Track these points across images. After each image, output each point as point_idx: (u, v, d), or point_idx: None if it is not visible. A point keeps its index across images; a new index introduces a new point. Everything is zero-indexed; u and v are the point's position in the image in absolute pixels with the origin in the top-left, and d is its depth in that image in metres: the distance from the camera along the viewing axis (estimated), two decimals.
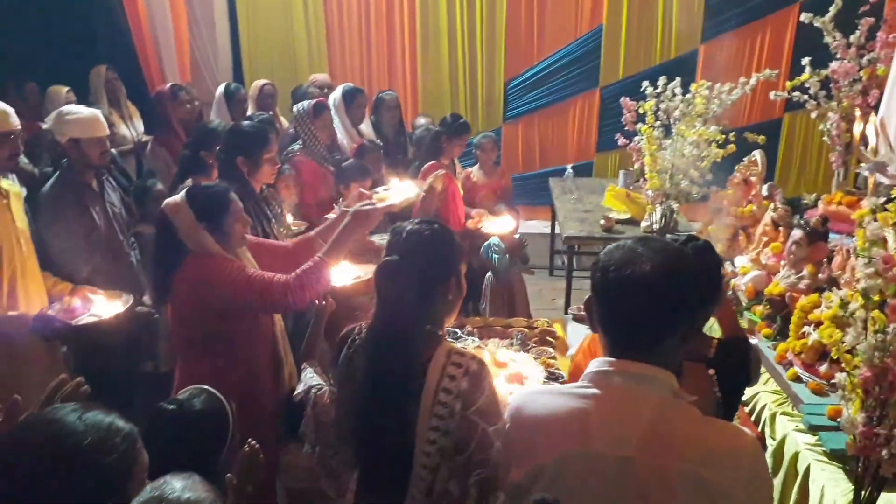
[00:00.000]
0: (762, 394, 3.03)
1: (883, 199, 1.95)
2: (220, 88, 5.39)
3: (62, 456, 1.32)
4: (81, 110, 3.48)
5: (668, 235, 4.48)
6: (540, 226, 7.08)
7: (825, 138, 4.18)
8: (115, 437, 1.36)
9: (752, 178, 4.12)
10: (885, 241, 1.93)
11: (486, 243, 4.60)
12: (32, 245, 2.97)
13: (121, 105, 5.42)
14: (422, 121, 5.98)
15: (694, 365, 2.17)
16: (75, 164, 3.39)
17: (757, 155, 4.14)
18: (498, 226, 4.69)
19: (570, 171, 6.80)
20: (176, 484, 1.40)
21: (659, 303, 1.36)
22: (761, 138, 4.15)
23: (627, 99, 4.53)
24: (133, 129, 5.45)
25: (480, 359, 1.78)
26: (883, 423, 1.96)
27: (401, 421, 1.75)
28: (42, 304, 2.91)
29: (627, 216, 5.16)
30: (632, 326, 1.39)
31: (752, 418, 3.04)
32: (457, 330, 3.84)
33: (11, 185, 3.01)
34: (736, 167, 4.20)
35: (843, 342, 1.99)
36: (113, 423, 1.39)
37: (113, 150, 4.17)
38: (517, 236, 4.74)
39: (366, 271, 3.28)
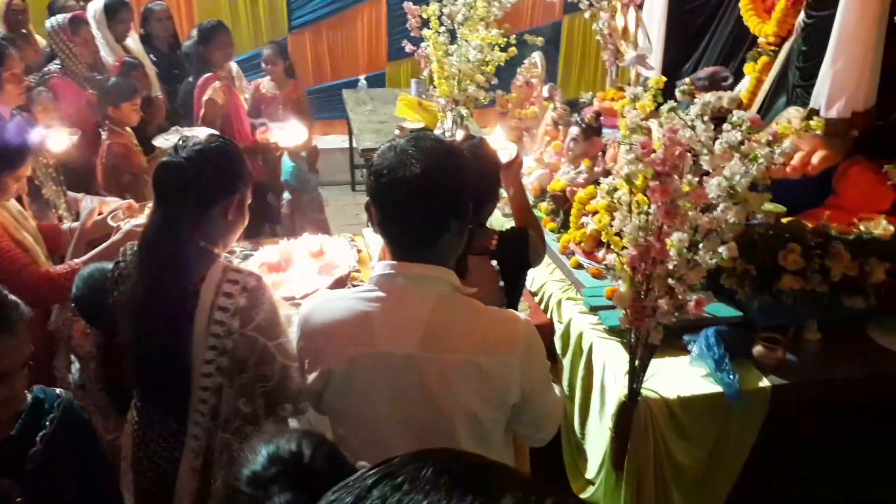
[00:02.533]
0: (549, 283, 3.22)
1: (640, 89, 2.08)
2: None
3: None
4: None
5: None
6: (338, 140, 6.96)
7: (598, 38, 4.40)
8: None
9: (533, 81, 4.27)
10: (648, 131, 2.06)
11: (287, 169, 4.45)
12: None
13: None
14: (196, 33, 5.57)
15: (479, 258, 2.26)
16: None
17: (536, 57, 4.28)
18: (289, 137, 4.49)
19: (364, 81, 6.69)
20: None
21: (430, 203, 1.39)
22: (539, 40, 4.27)
23: (410, 3, 4.46)
24: None
25: (258, 275, 1.74)
26: (649, 297, 2.14)
27: (175, 343, 1.68)
28: None
29: (422, 125, 5.17)
30: (407, 228, 1.42)
31: (542, 306, 3.24)
32: (253, 252, 3.73)
33: None
34: (517, 70, 4.32)
35: (612, 226, 2.14)
36: None
37: None
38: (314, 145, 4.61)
39: None
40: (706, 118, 1.93)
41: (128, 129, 3.75)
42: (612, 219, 2.16)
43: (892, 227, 2.59)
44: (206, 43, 4.25)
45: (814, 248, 2.51)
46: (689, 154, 2.01)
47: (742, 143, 1.90)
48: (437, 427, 1.42)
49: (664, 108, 2.00)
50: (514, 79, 4.44)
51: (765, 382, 2.49)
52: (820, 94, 2.65)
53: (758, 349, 2.55)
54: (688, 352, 2.62)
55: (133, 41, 4.81)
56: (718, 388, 2.44)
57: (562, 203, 3.52)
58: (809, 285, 2.56)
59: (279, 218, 4.62)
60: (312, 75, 7.06)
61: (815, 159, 2.68)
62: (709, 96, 2.02)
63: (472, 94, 4.44)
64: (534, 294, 3.33)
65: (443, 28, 4.45)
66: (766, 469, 2.58)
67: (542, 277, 3.28)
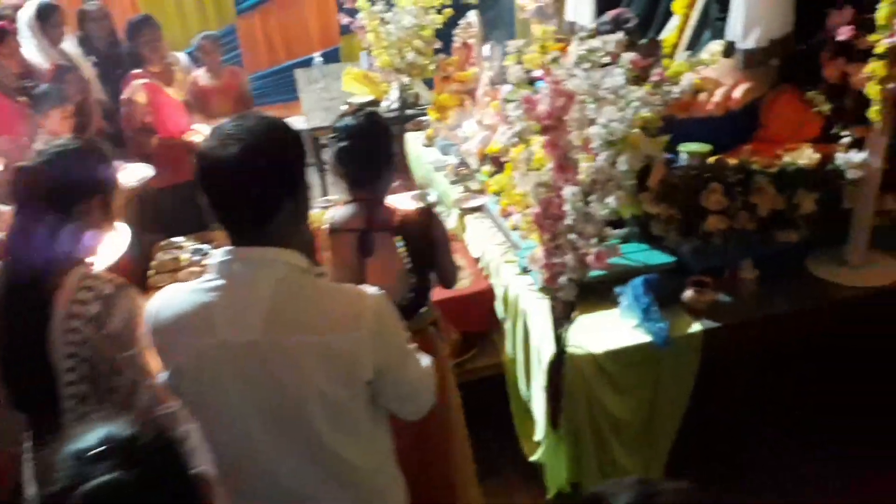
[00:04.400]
0: (490, 247, 3.17)
1: (523, 42, 2.01)
2: None
3: None
4: None
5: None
6: (300, 122, 6.87)
7: None
8: None
9: (470, 41, 4.17)
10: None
11: None
12: None
13: None
14: None
15: (381, 235, 2.21)
16: None
17: (471, 16, 4.17)
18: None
19: (320, 59, 6.58)
20: None
21: (254, 183, 1.34)
22: None
23: None
24: None
25: (120, 283, 1.69)
26: (556, 255, 2.10)
27: (35, 351, 1.65)
28: None
29: (371, 97, 5.09)
30: (235, 211, 1.37)
31: (485, 272, 3.19)
32: (202, 246, 3.70)
33: None
34: (453, 32, 4.23)
35: (513, 185, 2.08)
36: None
37: None
38: None
39: None
40: (586, 66, 1.86)
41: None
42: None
43: (817, 156, 2.52)
44: (133, 38, 4.17)
45: (735, 186, 2.45)
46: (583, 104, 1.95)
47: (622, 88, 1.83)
48: (292, 413, 1.39)
49: (547, 58, 1.93)
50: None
51: (696, 327, 2.44)
52: (735, 25, 2.56)
53: (687, 294, 2.49)
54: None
55: (70, 44, 4.73)
56: (648, 339, 2.40)
57: (501, 165, 3.46)
58: (737, 224, 2.51)
59: None
60: (266, 58, 6.96)
61: (738, 93, 2.60)
62: (595, 42, 1.95)
63: (412, 60, 4.37)
64: (476, 260, 3.29)
65: None
66: (709, 416, 2.54)
67: (484, 242, 3.23)
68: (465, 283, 3.17)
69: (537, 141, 2.09)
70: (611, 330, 2.48)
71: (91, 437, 1.03)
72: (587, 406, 2.42)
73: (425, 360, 1.58)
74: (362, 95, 5.10)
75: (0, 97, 3.79)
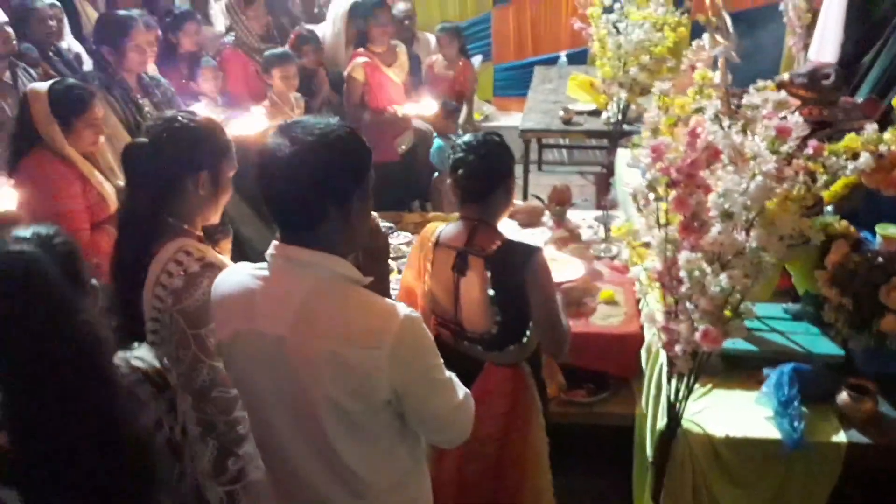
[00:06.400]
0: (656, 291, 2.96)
1: (668, 86, 1.83)
2: None
3: None
4: None
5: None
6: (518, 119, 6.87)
7: (784, 20, 3.91)
8: None
9: (698, 66, 3.87)
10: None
11: (433, 147, 4.50)
12: None
13: None
14: (401, 6, 5.76)
15: (475, 258, 2.15)
16: None
17: (705, 39, 3.87)
18: (417, 108, 4.51)
19: (564, 58, 6.52)
20: None
21: (298, 188, 1.38)
22: (713, 21, 3.86)
23: None
24: None
25: (209, 262, 1.77)
26: (677, 320, 1.91)
27: (130, 308, 1.81)
28: None
29: (593, 107, 4.95)
30: (281, 211, 1.43)
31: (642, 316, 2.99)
32: (392, 225, 3.88)
33: None
34: (683, 53, 3.96)
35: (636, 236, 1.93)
36: None
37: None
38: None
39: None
40: (728, 122, 1.65)
41: (293, 98, 3.99)
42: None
43: None
44: (368, 18, 4.40)
45: None
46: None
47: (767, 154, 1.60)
48: (305, 412, 1.42)
49: (692, 107, 1.75)
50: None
51: (841, 437, 2.10)
52: None
53: (842, 397, 2.16)
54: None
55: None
56: (779, 435, 2.11)
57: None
58: None
59: (427, 195, 4.70)
60: (513, 50, 7.01)
61: None
62: (756, 97, 1.72)
63: (635, 76, 4.18)
64: (639, 300, 3.09)
65: (618, 4, 4.24)
66: None
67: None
68: (614, 320, 3.01)
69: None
70: (741, 413, 2.22)
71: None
72: (693, 490, 2.20)
73: (461, 393, 1.53)
74: (584, 103, 4.98)
75: (241, 56, 4.19)
